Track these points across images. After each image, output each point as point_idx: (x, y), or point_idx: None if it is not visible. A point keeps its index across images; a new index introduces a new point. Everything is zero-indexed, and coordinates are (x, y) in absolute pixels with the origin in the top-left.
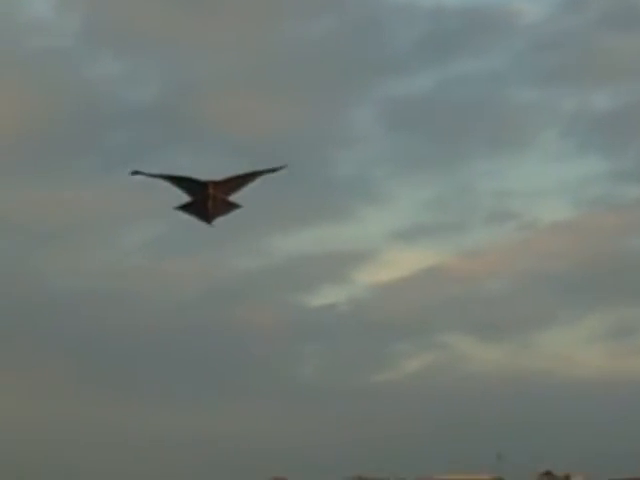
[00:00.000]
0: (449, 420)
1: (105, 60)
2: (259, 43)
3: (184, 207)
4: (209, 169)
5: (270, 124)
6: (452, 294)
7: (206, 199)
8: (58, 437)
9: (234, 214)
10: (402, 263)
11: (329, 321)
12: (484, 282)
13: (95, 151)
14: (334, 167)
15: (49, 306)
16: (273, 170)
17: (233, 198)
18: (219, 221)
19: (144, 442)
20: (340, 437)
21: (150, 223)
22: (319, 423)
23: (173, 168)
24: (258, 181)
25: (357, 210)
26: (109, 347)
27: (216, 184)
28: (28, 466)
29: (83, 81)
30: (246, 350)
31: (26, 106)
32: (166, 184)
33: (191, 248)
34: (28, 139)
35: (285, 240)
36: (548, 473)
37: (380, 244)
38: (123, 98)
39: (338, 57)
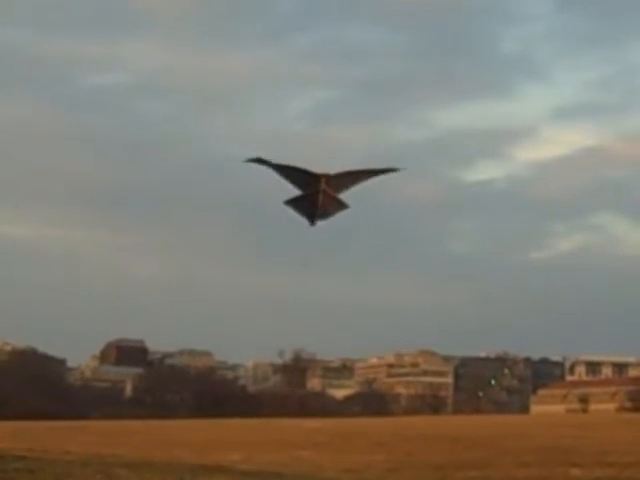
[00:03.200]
0: (599, 300)
1: None
2: None
3: (292, 201)
4: (376, 41)
5: None
6: (610, 176)
7: (316, 193)
8: (218, 296)
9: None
10: (561, 142)
11: (485, 197)
12: None
13: (264, 16)
14: (500, 43)
15: (209, 170)
16: (388, 171)
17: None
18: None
19: (300, 307)
20: (489, 312)
21: (315, 90)
22: (470, 297)
23: (341, 37)
24: (427, 49)
25: (520, 87)
26: (267, 214)
27: (329, 178)
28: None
29: None
30: (402, 221)
31: None
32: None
33: (355, 116)
34: (200, 4)
35: (446, 114)
36: None
37: (540, 122)
38: None
39: None
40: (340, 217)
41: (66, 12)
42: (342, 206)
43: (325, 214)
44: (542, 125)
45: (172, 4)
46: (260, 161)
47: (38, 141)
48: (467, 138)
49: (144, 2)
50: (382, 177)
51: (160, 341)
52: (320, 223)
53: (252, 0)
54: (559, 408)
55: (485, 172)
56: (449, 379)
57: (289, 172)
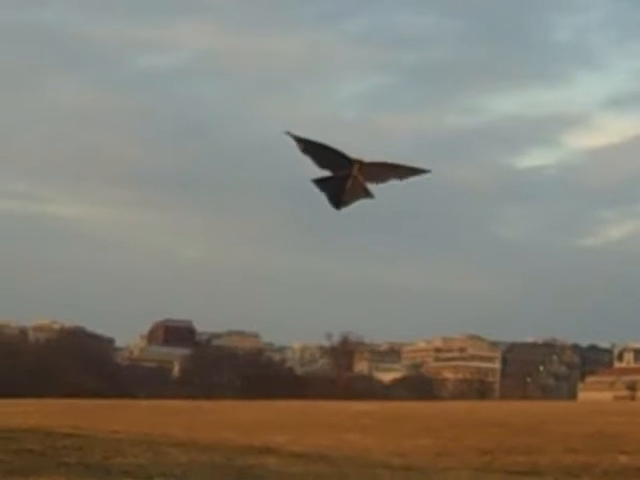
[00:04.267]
0: None
1: None
2: None
3: (321, 181)
4: (427, 26)
5: None
6: None
7: (347, 177)
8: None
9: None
10: (613, 130)
11: (535, 183)
12: None
13: (317, 1)
14: (554, 31)
15: (259, 152)
16: (421, 172)
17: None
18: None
19: (348, 290)
20: (537, 297)
21: (366, 75)
22: (518, 282)
23: (392, 22)
24: (479, 36)
25: (572, 75)
26: (318, 197)
27: (362, 165)
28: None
29: None
30: (451, 207)
31: None
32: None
33: (405, 102)
34: None
35: (498, 100)
36: None
37: (593, 110)
38: None
39: None
40: (391, 201)
41: None
42: (368, 195)
43: (350, 199)
44: (594, 113)
45: None
46: (298, 138)
47: (89, 122)
48: (519, 125)
49: None
50: (433, 162)
51: (208, 322)
52: (367, 203)
53: None
54: (607, 395)
55: (536, 159)
56: (496, 364)
57: (325, 152)
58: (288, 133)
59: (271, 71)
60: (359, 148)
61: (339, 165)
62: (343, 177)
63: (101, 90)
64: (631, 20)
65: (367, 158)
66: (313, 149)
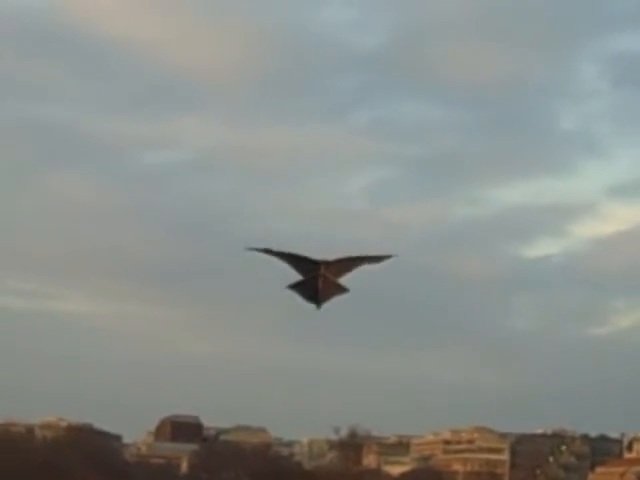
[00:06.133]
0: None
1: (335, 6)
2: None
3: (294, 286)
4: (434, 118)
5: (495, 72)
6: None
7: (316, 278)
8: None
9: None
10: (620, 218)
11: (543, 273)
12: None
13: (321, 94)
14: (557, 120)
15: (262, 244)
16: (380, 258)
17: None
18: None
19: (355, 383)
20: (546, 388)
21: (373, 168)
22: (527, 372)
23: (398, 114)
24: (485, 126)
25: (577, 164)
26: None
27: (328, 264)
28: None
29: (313, 26)
30: (458, 297)
31: (252, 49)
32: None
33: (412, 194)
34: (254, 81)
35: (503, 190)
36: None
37: (599, 198)
38: (353, 43)
39: (564, 10)
40: (400, 292)
41: (124, 91)
42: (341, 290)
43: (325, 297)
44: (601, 201)
45: (232, 83)
46: (265, 251)
47: (94, 217)
48: (525, 215)
49: (204, 82)
50: (441, 254)
51: (215, 416)
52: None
53: (310, 78)
54: None
55: (543, 248)
56: (505, 456)
57: (292, 259)
58: (251, 248)
59: (276, 165)
60: (368, 239)
61: (307, 269)
62: (313, 278)
63: (105, 186)
64: (632, 109)
65: (331, 257)
66: (281, 259)
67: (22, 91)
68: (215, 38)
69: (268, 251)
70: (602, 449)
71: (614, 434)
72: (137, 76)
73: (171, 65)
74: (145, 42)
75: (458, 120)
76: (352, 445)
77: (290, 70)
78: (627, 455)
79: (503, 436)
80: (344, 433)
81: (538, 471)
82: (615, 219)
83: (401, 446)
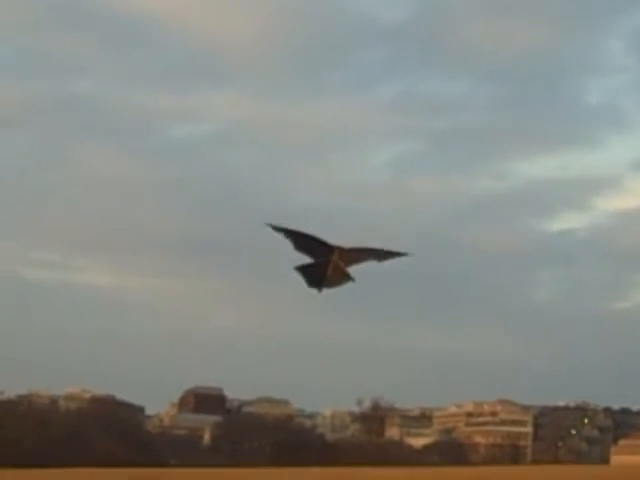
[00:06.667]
0: None
1: None
2: None
3: (303, 268)
4: (459, 92)
5: (521, 46)
6: None
7: (327, 264)
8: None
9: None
10: None
11: (567, 246)
12: None
13: (347, 68)
14: (583, 94)
15: (289, 219)
16: (393, 255)
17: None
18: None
19: (378, 355)
20: (569, 361)
21: (397, 141)
22: (549, 346)
23: (423, 88)
24: (510, 101)
25: (603, 138)
26: None
27: (341, 251)
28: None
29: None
30: (483, 270)
31: (279, 22)
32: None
33: (435, 169)
34: (280, 55)
35: (528, 164)
36: None
37: (623, 172)
38: (379, 16)
39: None
40: (425, 265)
41: (151, 65)
42: (348, 278)
43: (331, 284)
44: (626, 175)
45: (257, 57)
46: (283, 230)
47: (123, 191)
48: (550, 188)
49: (230, 55)
50: (465, 228)
51: (238, 389)
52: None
53: (336, 51)
54: None
55: (567, 222)
56: (528, 428)
57: (307, 241)
58: (270, 225)
59: (303, 138)
60: (392, 213)
61: (320, 252)
62: (324, 263)
63: (132, 159)
64: None
65: (347, 245)
66: (296, 238)
67: (51, 65)
68: (242, 11)
69: (285, 230)
70: (625, 422)
71: (637, 407)
72: (164, 50)
73: (198, 38)
74: (172, 15)
75: (483, 94)
76: (375, 417)
77: (316, 43)
78: None
79: (526, 409)
80: (367, 405)
81: (560, 443)
82: (639, 193)
83: (424, 418)
